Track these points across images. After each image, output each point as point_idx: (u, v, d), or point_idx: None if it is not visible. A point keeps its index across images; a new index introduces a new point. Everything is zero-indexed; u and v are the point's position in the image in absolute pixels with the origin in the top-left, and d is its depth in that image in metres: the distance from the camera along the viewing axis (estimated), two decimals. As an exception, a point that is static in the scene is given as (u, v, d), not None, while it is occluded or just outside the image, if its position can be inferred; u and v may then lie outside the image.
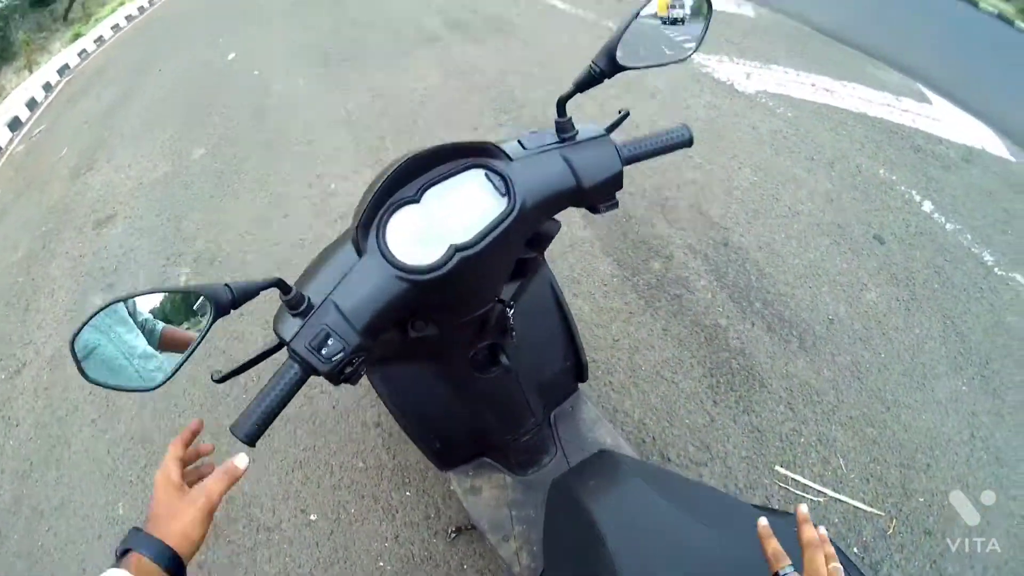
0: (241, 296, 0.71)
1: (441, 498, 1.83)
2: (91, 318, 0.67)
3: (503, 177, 0.80)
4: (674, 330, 2.21)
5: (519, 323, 1.03)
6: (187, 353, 0.72)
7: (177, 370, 0.71)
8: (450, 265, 0.75)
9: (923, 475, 1.77)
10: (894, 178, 2.88)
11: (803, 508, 0.68)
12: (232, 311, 0.72)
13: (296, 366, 0.74)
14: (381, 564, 1.73)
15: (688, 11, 0.90)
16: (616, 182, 0.87)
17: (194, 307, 0.72)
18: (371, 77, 4.55)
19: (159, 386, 0.71)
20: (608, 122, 0.92)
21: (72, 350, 0.66)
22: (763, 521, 0.66)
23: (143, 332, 0.74)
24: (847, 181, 2.85)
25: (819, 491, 1.74)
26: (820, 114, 3.36)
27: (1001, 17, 5.73)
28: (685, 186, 2.85)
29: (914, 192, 2.79)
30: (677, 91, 3.59)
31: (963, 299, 2.29)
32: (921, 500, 1.72)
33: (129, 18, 10.67)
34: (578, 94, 0.85)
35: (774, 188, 2.81)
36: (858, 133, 3.19)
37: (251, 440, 0.72)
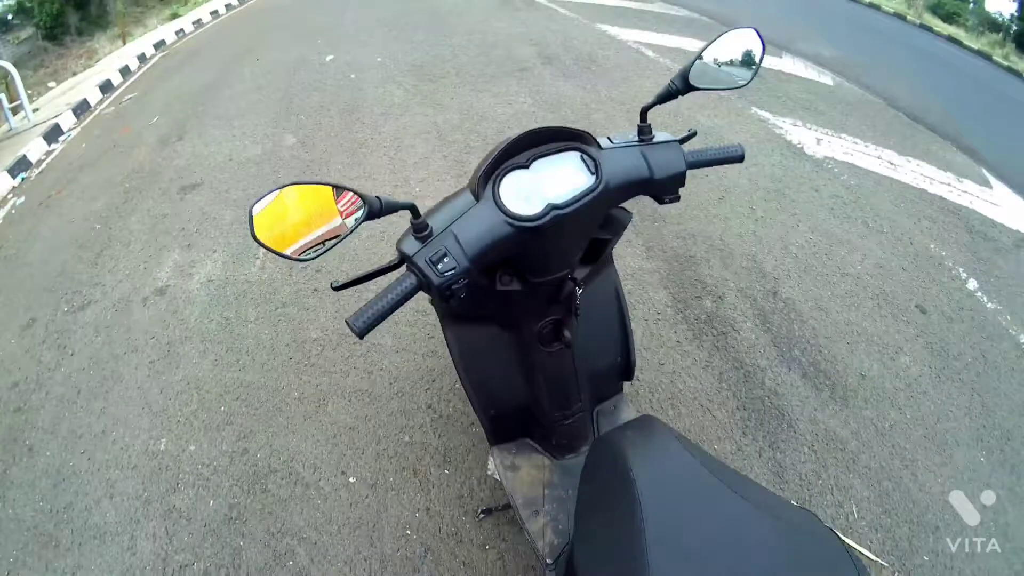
0: (387, 208, 0.89)
1: (477, 481, 1.94)
2: (274, 191, 0.81)
3: (594, 161, 1.01)
4: (716, 364, 2.33)
5: (584, 307, 1.19)
6: (334, 242, 0.86)
7: (323, 254, 0.85)
8: (546, 219, 0.95)
9: (931, 536, 1.83)
10: (944, 254, 2.96)
11: None
12: (376, 218, 0.88)
13: (413, 277, 0.91)
14: (408, 532, 1.84)
15: (740, 55, 1.13)
16: (680, 179, 1.09)
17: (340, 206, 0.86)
18: (463, 96, 4.74)
19: (307, 261, 0.90)
20: (679, 135, 1.15)
21: (250, 215, 0.80)
22: None
23: None
24: (898, 251, 2.94)
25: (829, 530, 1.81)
26: (881, 185, 3.47)
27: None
28: (745, 235, 2.99)
29: (961, 269, 2.88)
30: (749, 148, 3.69)
31: (994, 376, 2.35)
32: (926, 559, 1.78)
33: (229, 6, 11.22)
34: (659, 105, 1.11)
35: (828, 248, 2.92)
36: (915, 208, 3.29)
37: (362, 333, 0.86)
